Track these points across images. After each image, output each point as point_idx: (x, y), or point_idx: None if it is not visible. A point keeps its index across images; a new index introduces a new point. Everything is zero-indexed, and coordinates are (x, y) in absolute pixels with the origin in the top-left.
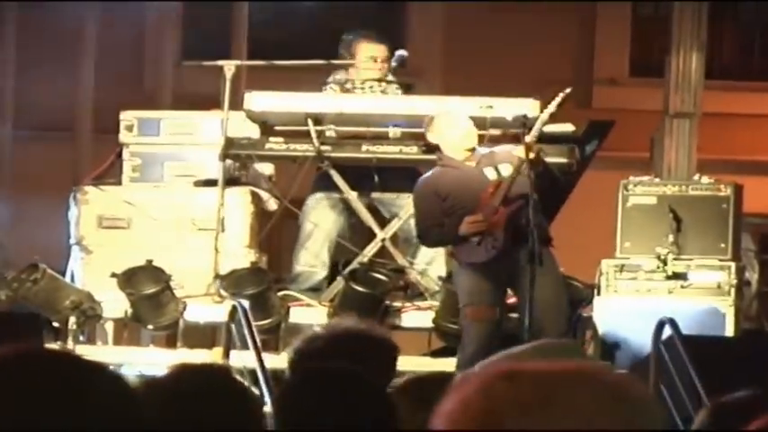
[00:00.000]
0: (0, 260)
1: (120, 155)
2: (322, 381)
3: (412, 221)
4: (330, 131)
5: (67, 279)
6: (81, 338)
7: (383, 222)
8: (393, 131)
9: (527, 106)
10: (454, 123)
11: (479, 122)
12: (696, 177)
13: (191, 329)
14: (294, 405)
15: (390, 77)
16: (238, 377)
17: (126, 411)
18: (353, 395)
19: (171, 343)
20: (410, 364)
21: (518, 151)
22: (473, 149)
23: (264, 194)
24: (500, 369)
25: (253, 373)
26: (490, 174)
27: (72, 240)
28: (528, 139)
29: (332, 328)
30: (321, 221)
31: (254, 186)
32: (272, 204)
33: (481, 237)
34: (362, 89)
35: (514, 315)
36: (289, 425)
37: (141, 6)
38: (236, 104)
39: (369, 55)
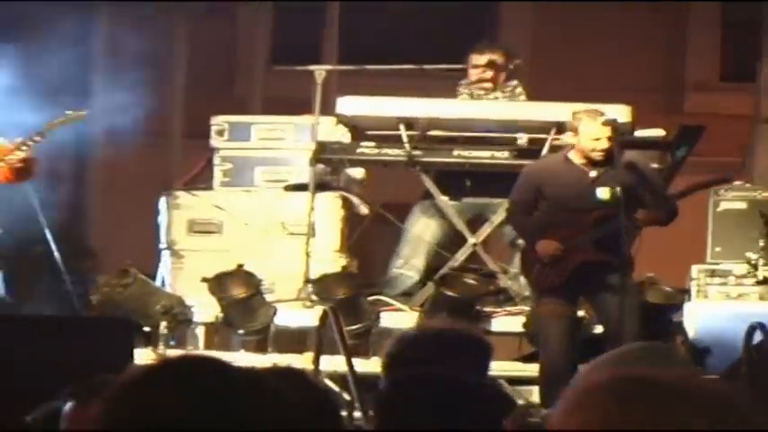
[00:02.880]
0: (89, 266)
1: (210, 160)
2: (419, 386)
3: (505, 228)
4: (421, 136)
5: (158, 284)
6: (171, 343)
7: (475, 227)
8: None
9: (617, 111)
10: (589, 123)
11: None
12: None
13: (281, 334)
14: (393, 411)
15: (515, 83)
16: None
17: (272, 414)
18: (451, 398)
19: (261, 348)
20: (501, 368)
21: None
22: (606, 153)
23: (355, 199)
24: (613, 388)
25: (343, 377)
26: (601, 193)
27: (163, 245)
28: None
29: (424, 328)
30: (419, 227)
31: (344, 191)
32: (363, 209)
33: (551, 261)
34: (486, 95)
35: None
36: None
37: (233, 11)
38: (328, 109)
39: (471, 63)
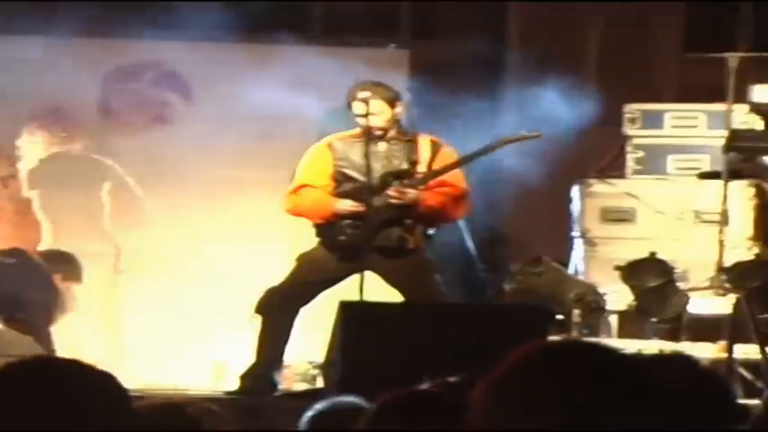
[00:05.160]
0: (502, 254)
1: (623, 147)
2: None
3: None
4: None
5: (571, 271)
6: (585, 331)
7: None
8: None
9: None
10: None
11: None
12: None
13: (694, 322)
14: None
15: None
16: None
17: (646, 398)
18: None
19: (674, 336)
20: None
21: None
22: None
23: None
24: None
25: (756, 365)
26: None
27: (575, 233)
28: None
29: None
30: None
31: (758, 179)
32: None
33: None
34: None
35: None
36: None
37: None
38: (741, 97)
39: None
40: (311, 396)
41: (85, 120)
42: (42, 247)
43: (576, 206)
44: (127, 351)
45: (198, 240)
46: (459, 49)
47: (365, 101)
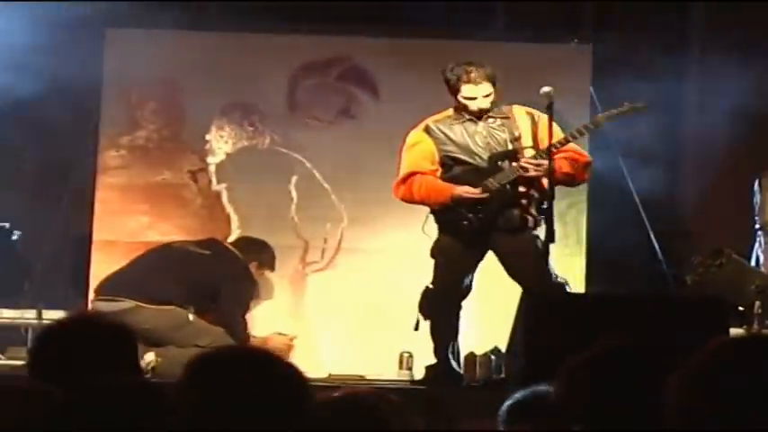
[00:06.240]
0: (684, 247)
1: None
2: None
3: None
4: None
5: (752, 263)
6: (766, 323)
7: None
8: None
9: None
10: None
11: None
12: None
13: None
14: None
15: None
16: None
17: None
18: None
19: None
20: None
21: None
22: None
23: None
24: None
25: None
26: None
27: (757, 225)
28: None
29: None
30: None
31: None
32: None
33: None
34: None
35: None
36: None
37: None
38: None
39: None
40: (494, 386)
41: (273, 114)
42: (231, 240)
43: (757, 199)
44: (314, 342)
45: (385, 233)
46: (642, 43)
47: (476, 83)
